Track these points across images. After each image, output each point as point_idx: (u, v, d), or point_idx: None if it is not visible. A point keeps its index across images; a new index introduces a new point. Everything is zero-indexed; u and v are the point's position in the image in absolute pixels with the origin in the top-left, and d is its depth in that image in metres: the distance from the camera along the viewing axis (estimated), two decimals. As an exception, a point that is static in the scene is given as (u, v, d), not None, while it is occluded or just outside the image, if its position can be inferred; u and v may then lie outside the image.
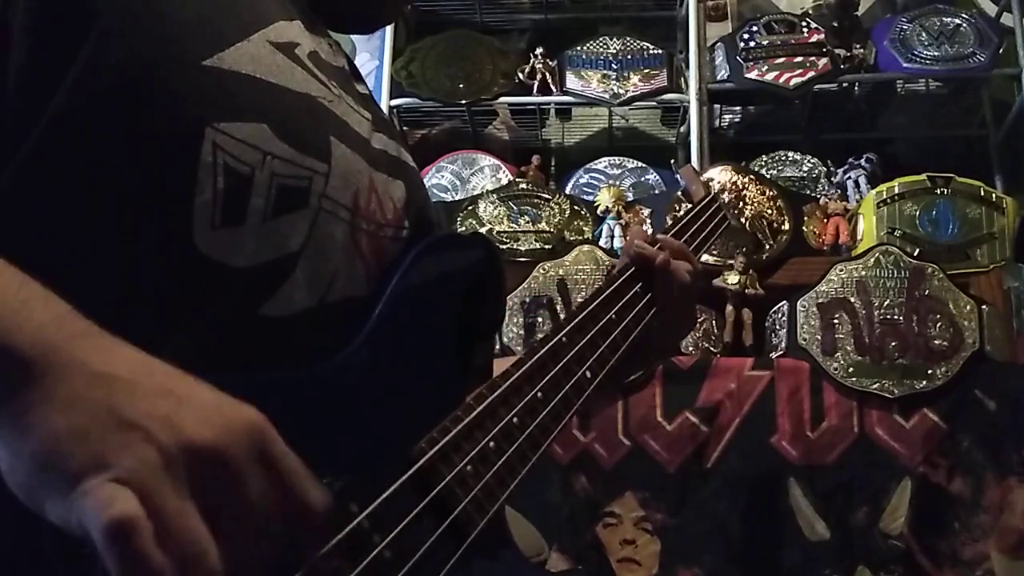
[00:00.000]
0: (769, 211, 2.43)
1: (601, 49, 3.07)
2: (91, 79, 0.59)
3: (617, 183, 2.93)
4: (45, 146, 0.59)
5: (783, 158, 2.93)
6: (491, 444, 0.66)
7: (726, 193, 2.39)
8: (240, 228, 0.64)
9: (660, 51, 3.06)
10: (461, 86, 3.02)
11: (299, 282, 0.68)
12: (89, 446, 0.45)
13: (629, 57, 3.05)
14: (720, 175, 2.47)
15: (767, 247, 2.38)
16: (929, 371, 2.00)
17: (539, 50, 3.04)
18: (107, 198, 0.61)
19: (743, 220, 2.37)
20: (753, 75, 2.93)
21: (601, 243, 2.47)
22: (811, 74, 2.90)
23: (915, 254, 2.22)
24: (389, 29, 3.07)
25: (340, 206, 0.72)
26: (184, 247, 0.62)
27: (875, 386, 1.99)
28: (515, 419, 0.70)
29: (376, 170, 0.78)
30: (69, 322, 0.49)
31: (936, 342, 2.02)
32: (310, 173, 0.68)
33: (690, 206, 1.24)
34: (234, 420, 0.48)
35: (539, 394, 0.74)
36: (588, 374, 0.82)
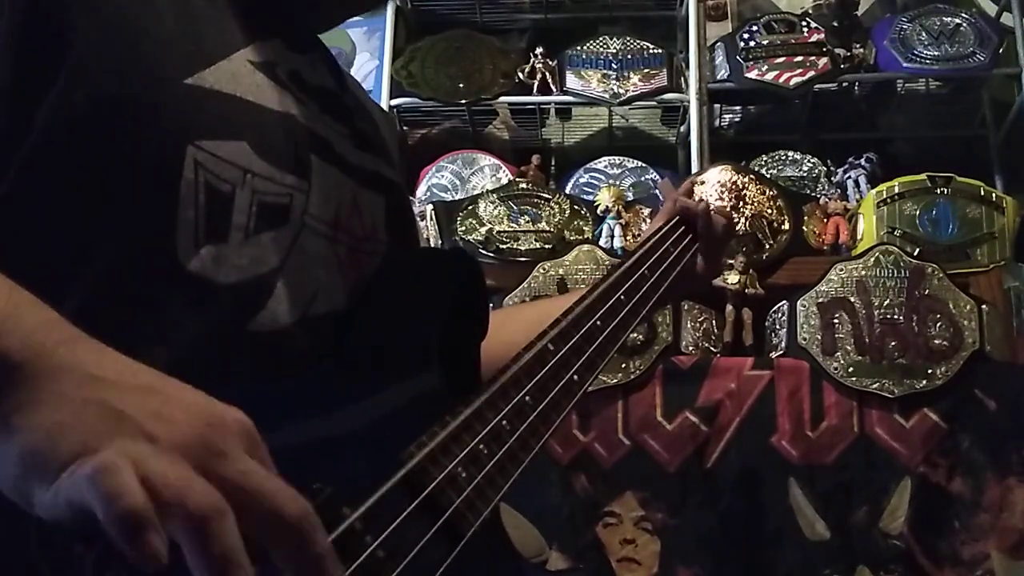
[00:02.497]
0: (769, 211, 2.43)
1: (601, 49, 3.07)
2: (73, 99, 0.60)
3: (617, 183, 2.93)
4: (32, 165, 0.59)
5: (783, 158, 2.93)
6: (481, 447, 0.66)
7: (726, 193, 2.39)
8: (223, 245, 0.64)
9: (660, 51, 3.06)
10: (461, 86, 3.02)
11: (282, 297, 0.68)
12: (78, 435, 0.45)
13: (629, 57, 3.05)
14: (720, 175, 2.47)
15: (767, 247, 2.38)
16: (929, 371, 1.99)
17: (539, 50, 3.04)
18: (93, 216, 0.61)
19: (744, 220, 2.37)
20: (753, 75, 2.93)
21: (601, 243, 2.47)
22: (811, 74, 2.90)
23: (915, 254, 2.22)
24: (389, 29, 3.08)
25: (321, 222, 0.72)
26: (170, 264, 0.62)
27: (875, 386, 1.99)
28: (504, 422, 0.70)
29: (357, 186, 0.78)
30: (58, 328, 0.49)
31: (936, 342, 2.02)
32: (291, 191, 0.69)
33: (659, 228, 1.23)
34: (223, 417, 0.49)
35: (527, 398, 0.74)
36: (576, 377, 0.82)
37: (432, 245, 2.44)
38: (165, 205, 0.62)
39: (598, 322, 0.89)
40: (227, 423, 0.49)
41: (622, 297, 0.96)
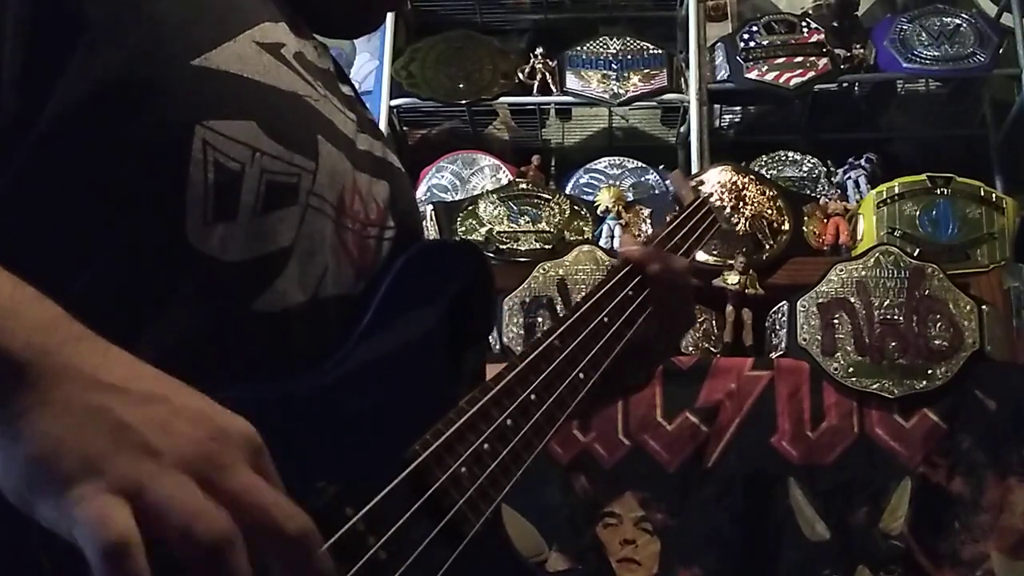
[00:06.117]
0: (769, 211, 2.43)
1: (601, 49, 3.07)
2: (82, 83, 0.60)
3: (617, 183, 2.93)
4: (42, 150, 0.60)
5: (783, 158, 2.93)
6: (485, 446, 0.66)
7: (726, 194, 2.39)
8: (232, 223, 0.64)
9: (660, 51, 3.07)
10: (461, 86, 3.02)
11: (292, 277, 0.68)
12: (82, 450, 0.44)
13: (629, 57, 3.05)
14: (720, 175, 2.47)
15: (767, 247, 2.38)
16: (929, 371, 2.00)
17: (539, 50, 3.05)
18: (103, 197, 0.61)
19: (743, 220, 2.37)
20: (753, 75, 2.93)
21: (601, 243, 2.48)
22: (811, 74, 2.90)
23: (915, 254, 2.22)
24: (389, 29, 3.08)
25: (327, 203, 0.72)
26: (178, 242, 0.62)
27: (875, 386, 1.99)
28: (508, 421, 0.70)
29: (360, 170, 0.79)
30: (62, 325, 0.48)
31: (936, 342, 2.02)
32: (298, 170, 0.69)
33: (679, 211, 1.24)
34: (227, 429, 0.48)
35: (532, 396, 0.74)
36: (582, 375, 0.81)
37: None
38: (175, 185, 0.62)
39: (605, 319, 0.89)
40: (231, 435, 0.48)
41: (629, 293, 0.96)
